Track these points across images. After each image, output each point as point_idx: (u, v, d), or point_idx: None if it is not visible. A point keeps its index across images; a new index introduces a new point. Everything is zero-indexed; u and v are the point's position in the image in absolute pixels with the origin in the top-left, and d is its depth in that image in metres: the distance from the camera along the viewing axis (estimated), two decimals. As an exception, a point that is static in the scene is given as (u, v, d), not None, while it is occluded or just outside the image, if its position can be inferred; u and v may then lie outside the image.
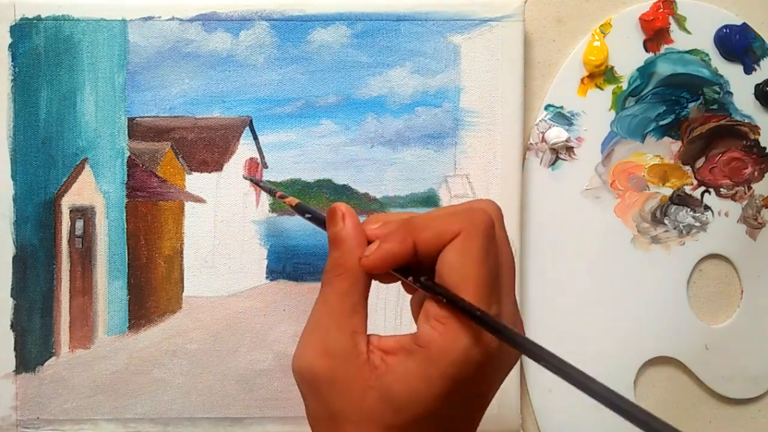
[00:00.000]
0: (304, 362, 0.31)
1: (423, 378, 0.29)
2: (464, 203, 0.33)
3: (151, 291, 0.48)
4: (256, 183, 0.47)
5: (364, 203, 0.48)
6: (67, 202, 0.47)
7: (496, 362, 0.30)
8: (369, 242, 0.32)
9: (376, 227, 0.33)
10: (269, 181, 0.47)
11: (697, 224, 0.50)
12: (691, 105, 0.49)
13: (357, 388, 0.30)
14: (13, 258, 0.47)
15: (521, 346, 0.28)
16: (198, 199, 0.48)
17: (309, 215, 0.37)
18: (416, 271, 0.31)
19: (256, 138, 0.48)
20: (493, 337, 0.29)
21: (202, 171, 0.48)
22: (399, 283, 0.33)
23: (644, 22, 0.49)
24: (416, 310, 0.34)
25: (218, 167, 0.48)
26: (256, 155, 0.48)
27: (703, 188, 0.50)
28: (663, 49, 0.49)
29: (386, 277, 0.33)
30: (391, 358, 0.30)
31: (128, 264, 0.47)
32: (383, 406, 0.30)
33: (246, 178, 0.47)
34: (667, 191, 0.50)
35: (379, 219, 0.34)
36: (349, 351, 0.31)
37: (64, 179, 0.47)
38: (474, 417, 0.32)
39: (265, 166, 0.48)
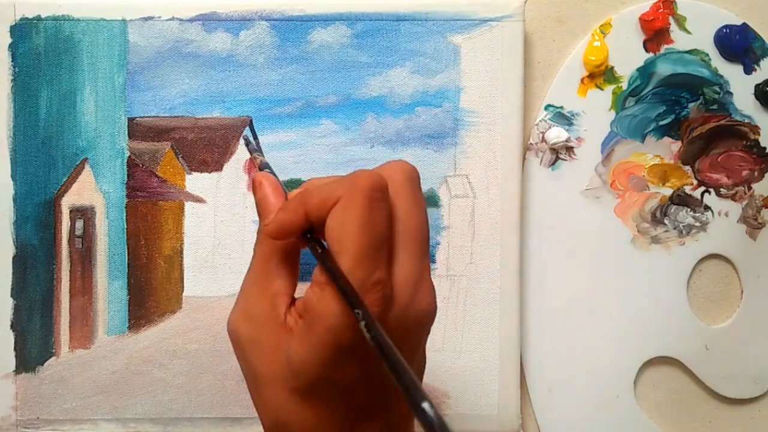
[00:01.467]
0: (230, 325, 0.33)
1: (307, 342, 0.29)
2: (368, 169, 0.33)
3: (151, 291, 0.48)
4: (247, 144, 0.46)
5: (364, 203, 0.48)
6: (67, 202, 0.47)
7: (384, 323, 0.29)
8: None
9: (291, 194, 0.33)
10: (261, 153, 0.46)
11: (697, 224, 0.50)
12: (691, 105, 0.49)
13: (271, 350, 0.31)
14: (13, 258, 0.47)
15: (364, 318, 0.28)
16: (198, 199, 0.48)
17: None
18: (316, 237, 0.32)
19: (256, 138, 0.48)
20: (375, 299, 0.29)
21: (202, 171, 0.48)
22: None
23: (644, 22, 0.49)
24: None
25: (218, 167, 0.48)
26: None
27: (703, 188, 0.50)
28: (663, 49, 0.49)
29: (303, 242, 0.33)
30: (299, 320, 0.31)
31: (128, 264, 0.47)
32: (287, 368, 0.30)
33: (244, 138, 0.47)
34: (667, 191, 0.50)
35: (311, 183, 0.34)
36: (267, 314, 0.31)
37: (64, 179, 0.47)
38: (381, 380, 0.31)
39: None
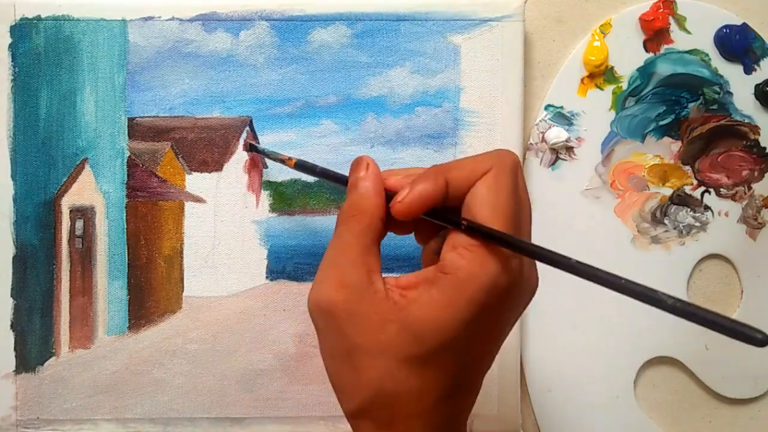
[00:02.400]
0: (322, 295, 0.32)
1: (448, 304, 0.30)
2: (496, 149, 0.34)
3: (151, 291, 0.48)
4: (259, 151, 0.46)
5: (364, 203, 0.48)
6: (67, 202, 0.47)
7: (519, 291, 0.32)
8: (388, 194, 0.33)
9: (398, 177, 0.34)
10: (269, 150, 0.46)
11: (697, 224, 0.50)
12: (691, 105, 0.49)
13: (375, 320, 0.31)
14: (13, 258, 0.47)
15: (560, 264, 0.30)
16: (198, 199, 0.48)
17: (319, 170, 0.40)
18: (446, 213, 0.32)
19: (256, 138, 0.48)
20: (518, 265, 0.31)
21: (202, 171, 0.48)
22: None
23: (644, 22, 0.49)
24: (429, 259, 0.35)
25: (218, 167, 0.48)
26: (256, 155, 0.48)
27: (703, 188, 0.50)
28: (663, 49, 0.49)
29: (401, 227, 0.34)
30: (411, 292, 0.31)
31: (128, 264, 0.47)
32: (404, 337, 0.30)
33: (247, 149, 0.47)
34: (667, 191, 0.50)
35: (399, 172, 0.35)
36: (366, 286, 0.31)
37: (64, 179, 0.47)
38: (492, 349, 0.33)
39: (265, 166, 0.48)
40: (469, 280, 0.30)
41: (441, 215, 0.32)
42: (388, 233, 0.35)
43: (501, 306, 0.31)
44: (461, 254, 0.31)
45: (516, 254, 0.31)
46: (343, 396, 0.32)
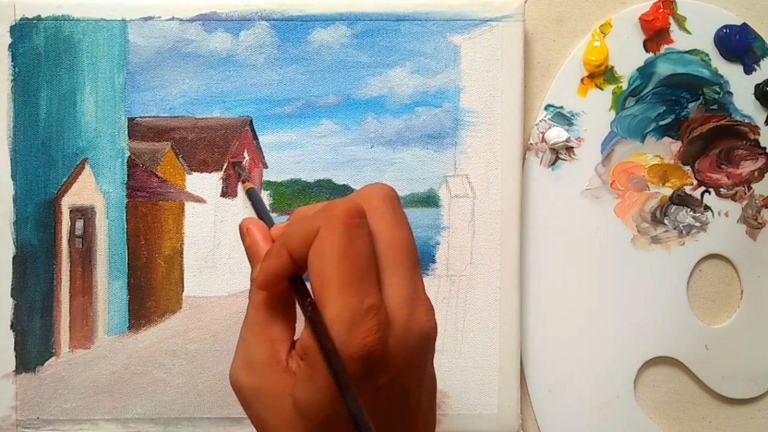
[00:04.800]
0: (232, 376, 0.33)
1: (312, 383, 0.29)
2: (348, 195, 0.33)
3: (151, 291, 0.48)
4: (234, 167, 0.47)
5: (364, 203, 0.48)
6: (67, 202, 0.47)
7: (386, 348, 0.29)
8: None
9: (283, 224, 0.34)
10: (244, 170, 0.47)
11: (697, 224, 0.50)
12: (691, 105, 0.49)
13: (277, 396, 0.31)
14: (13, 258, 0.47)
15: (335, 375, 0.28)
16: (198, 199, 0.48)
17: (253, 205, 0.40)
18: (301, 285, 0.32)
19: (256, 138, 0.48)
20: (371, 326, 0.28)
21: (202, 171, 0.48)
22: None
23: (644, 22, 0.49)
24: None
25: (218, 167, 0.48)
26: (257, 155, 0.48)
27: (703, 188, 0.50)
28: (663, 49, 0.49)
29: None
30: (301, 362, 0.30)
31: (128, 264, 0.47)
32: (295, 413, 0.30)
33: (231, 162, 0.47)
34: (667, 191, 0.50)
35: (298, 213, 0.34)
36: (268, 361, 0.31)
37: (64, 179, 0.47)
38: (394, 409, 0.30)
39: (265, 166, 0.48)
40: (317, 361, 0.28)
41: (299, 287, 0.31)
42: None
43: (374, 371, 0.29)
44: (308, 333, 0.29)
45: (369, 310, 0.28)
46: None
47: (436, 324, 0.31)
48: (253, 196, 0.43)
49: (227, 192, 0.48)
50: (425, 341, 0.31)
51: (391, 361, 0.29)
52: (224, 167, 0.48)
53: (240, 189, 0.48)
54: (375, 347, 0.28)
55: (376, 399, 0.29)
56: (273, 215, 0.48)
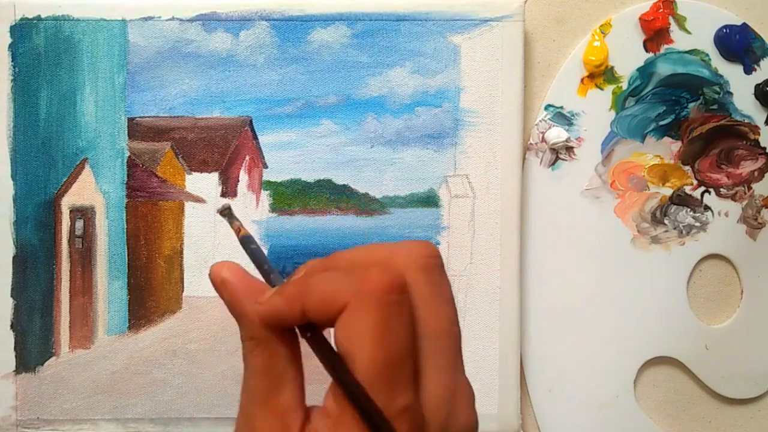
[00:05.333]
0: None
1: None
2: (380, 250, 0.27)
3: (151, 291, 0.48)
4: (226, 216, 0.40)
5: (364, 203, 0.48)
6: (67, 202, 0.47)
7: None
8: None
9: (298, 276, 0.27)
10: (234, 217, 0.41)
11: (697, 224, 0.50)
12: (691, 105, 0.49)
13: None
14: (13, 258, 0.47)
15: None
16: (198, 199, 0.48)
17: (250, 252, 0.31)
18: (321, 337, 0.26)
19: (256, 138, 0.48)
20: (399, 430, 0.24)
21: (202, 171, 0.48)
22: None
23: (644, 22, 0.49)
24: None
25: (218, 167, 0.48)
26: (256, 155, 0.48)
27: (703, 188, 0.50)
28: (663, 49, 0.49)
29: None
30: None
31: (128, 264, 0.47)
32: None
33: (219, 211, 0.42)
34: (667, 191, 0.50)
35: (311, 267, 0.27)
36: None
37: (64, 179, 0.47)
38: None
39: (265, 166, 0.48)
40: None
41: (317, 339, 0.26)
42: None
43: None
44: (326, 425, 0.25)
45: (400, 412, 0.24)
46: None
47: (476, 418, 0.27)
48: (250, 243, 0.33)
49: (227, 192, 0.48)
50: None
51: None
52: (245, 163, 0.48)
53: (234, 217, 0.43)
54: None
55: None
56: (273, 215, 0.48)
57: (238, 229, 0.33)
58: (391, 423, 0.23)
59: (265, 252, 0.48)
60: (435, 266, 0.27)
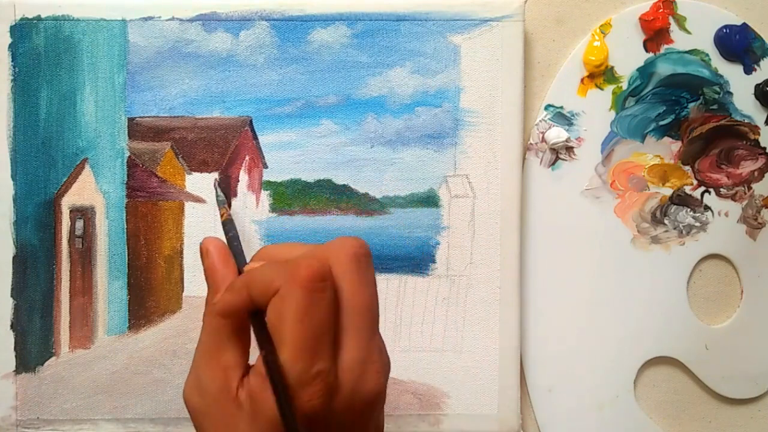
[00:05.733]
0: (185, 395, 0.33)
1: (254, 421, 0.30)
2: (317, 245, 0.33)
3: (151, 291, 0.48)
4: (218, 192, 0.46)
5: (364, 203, 0.48)
6: (67, 202, 0.47)
7: (329, 412, 0.30)
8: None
9: (254, 265, 0.34)
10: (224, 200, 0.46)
11: (697, 224, 0.50)
12: (691, 105, 0.49)
13: (223, 425, 0.31)
14: (13, 258, 0.47)
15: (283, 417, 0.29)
16: (198, 199, 0.48)
17: (227, 239, 0.39)
18: (262, 321, 0.32)
19: (256, 138, 0.48)
20: (316, 390, 0.29)
21: (202, 171, 0.48)
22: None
23: (644, 22, 0.49)
24: None
25: (218, 167, 0.48)
26: (256, 155, 0.48)
27: (703, 188, 0.50)
28: (663, 49, 0.49)
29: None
30: (248, 399, 0.31)
31: (128, 264, 0.47)
32: None
33: (216, 186, 0.47)
34: (667, 191, 0.50)
35: (265, 253, 0.35)
36: (219, 389, 0.32)
37: (64, 179, 0.47)
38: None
39: (265, 166, 0.48)
40: (259, 410, 0.30)
41: (259, 322, 0.32)
42: None
43: (315, 429, 0.30)
44: (256, 381, 0.30)
45: (317, 375, 0.30)
46: None
47: (384, 386, 0.32)
48: (228, 230, 0.41)
49: (227, 192, 0.48)
50: (371, 404, 0.31)
51: (334, 422, 0.30)
52: (245, 163, 0.48)
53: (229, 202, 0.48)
54: (318, 409, 0.29)
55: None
56: (273, 215, 0.48)
57: (222, 213, 0.41)
58: (293, 408, 0.29)
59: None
60: (362, 255, 0.32)
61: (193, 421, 0.33)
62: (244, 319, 0.33)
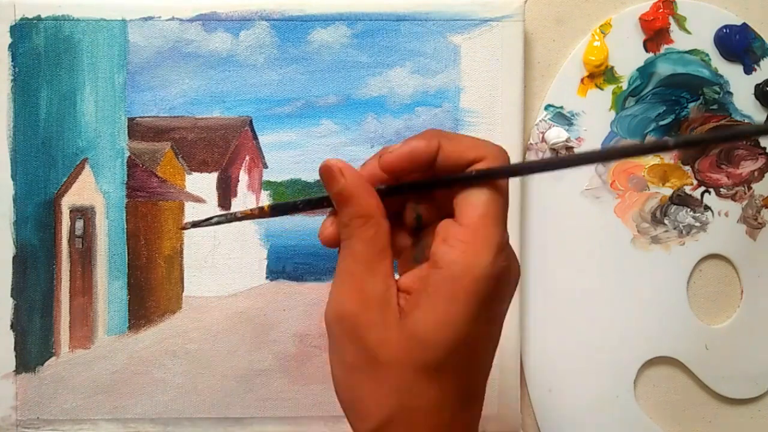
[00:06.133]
0: (339, 308, 0.31)
1: (449, 302, 0.29)
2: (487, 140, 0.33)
3: (151, 291, 0.48)
4: (224, 218, 0.37)
5: (364, 203, 0.48)
6: (67, 202, 0.47)
7: (509, 279, 0.32)
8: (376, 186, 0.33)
9: (387, 153, 0.32)
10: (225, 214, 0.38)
11: (697, 224, 0.50)
12: (691, 105, 0.49)
13: (392, 330, 0.30)
14: (13, 258, 0.47)
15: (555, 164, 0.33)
16: (198, 199, 0.48)
17: (299, 204, 0.35)
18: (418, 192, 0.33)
19: (256, 138, 0.48)
20: (508, 253, 0.31)
21: (202, 171, 0.48)
22: None
23: (644, 22, 0.49)
24: (406, 268, 0.34)
25: (218, 167, 0.48)
26: (256, 155, 0.48)
27: (703, 188, 0.50)
28: (663, 49, 0.49)
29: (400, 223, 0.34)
30: (412, 296, 0.31)
31: (128, 264, 0.47)
32: (413, 345, 0.30)
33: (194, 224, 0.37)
34: (667, 191, 0.50)
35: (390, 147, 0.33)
36: (382, 294, 0.31)
37: (64, 179, 0.47)
38: (493, 346, 0.32)
39: (265, 166, 0.48)
40: (465, 272, 0.29)
41: (430, 183, 0.32)
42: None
43: (497, 296, 0.31)
44: (453, 245, 0.30)
45: (505, 242, 0.31)
46: (359, 414, 0.31)
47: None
48: (283, 206, 0.36)
49: (227, 192, 0.48)
50: (516, 285, 0.33)
51: (509, 292, 0.32)
52: (245, 163, 0.48)
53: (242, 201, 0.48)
54: (509, 272, 0.31)
55: (488, 330, 0.32)
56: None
57: (260, 208, 0.36)
58: (488, 256, 0.30)
59: (265, 252, 0.48)
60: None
61: (348, 337, 0.31)
62: (389, 235, 0.32)
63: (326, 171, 0.33)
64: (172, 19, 0.47)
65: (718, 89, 0.49)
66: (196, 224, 0.36)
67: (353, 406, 0.31)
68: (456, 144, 0.31)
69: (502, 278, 0.30)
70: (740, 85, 0.49)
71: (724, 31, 0.49)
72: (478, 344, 0.31)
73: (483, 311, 0.30)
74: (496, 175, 0.31)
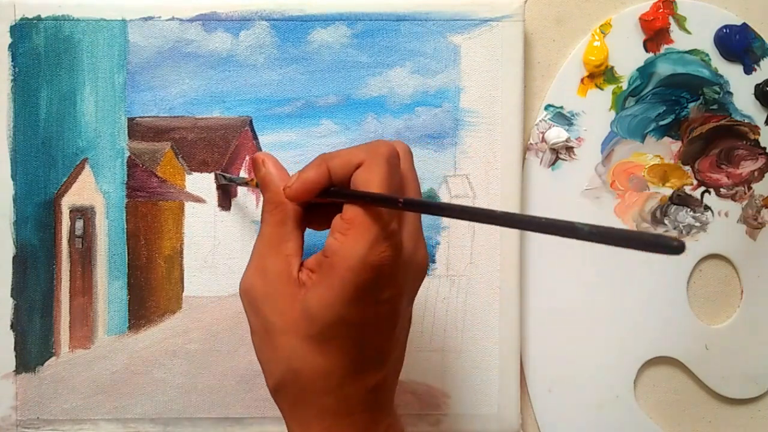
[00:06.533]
0: (245, 283, 0.36)
1: (328, 285, 0.33)
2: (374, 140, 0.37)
3: (151, 291, 0.48)
4: (230, 180, 0.47)
5: (364, 203, 0.48)
6: (67, 202, 0.47)
7: (399, 269, 0.34)
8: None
9: (287, 187, 0.37)
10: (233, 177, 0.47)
11: (697, 224, 0.50)
12: (691, 105, 0.49)
13: (287, 302, 0.35)
14: (13, 258, 0.47)
15: (425, 207, 0.35)
16: (198, 199, 0.48)
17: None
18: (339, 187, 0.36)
19: (256, 138, 0.48)
20: (393, 244, 0.33)
21: (202, 171, 0.48)
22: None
23: (644, 22, 0.49)
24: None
25: (218, 167, 0.48)
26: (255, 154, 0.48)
27: (703, 188, 0.50)
28: (663, 49, 0.49)
29: (318, 224, 0.38)
30: (313, 275, 0.35)
31: (128, 264, 0.47)
32: (303, 317, 0.34)
33: (220, 180, 0.48)
34: (667, 191, 0.50)
35: (321, 156, 0.38)
36: (281, 271, 0.35)
37: (64, 179, 0.47)
38: (389, 327, 0.35)
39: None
40: (341, 261, 0.33)
41: (336, 194, 0.35)
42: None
43: (377, 283, 0.33)
44: (336, 238, 0.34)
45: (391, 233, 0.33)
46: (265, 374, 0.36)
47: (428, 263, 0.37)
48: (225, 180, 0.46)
49: (227, 192, 0.48)
50: (421, 273, 0.37)
51: (394, 280, 0.34)
52: (245, 164, 0.48)
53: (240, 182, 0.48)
54: (388, 262, 0.33)
55: (374, 311, 0.34)
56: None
57: (252, 180, 0.45)
58: (371, 247, 0.33)
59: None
60: (410, 153, 0.37)
61: (252, 307, 0.36)
62: (301, 216, 0.36)
63: (253, 161, 0.39)
64: (172, 19, 0.47)
65: (718, 89, 0.49)
66: (227, 179, 0.47)
67: (262, 366, 0.36)
68: (340, 159, 0.35)
69: (382, 266, 0.33)
70: (740, 85, 0.49)
71: (724, 31, 0.49)
72: (364, 323, 0.34)
73: (363, 295, 0.33)
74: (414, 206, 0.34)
